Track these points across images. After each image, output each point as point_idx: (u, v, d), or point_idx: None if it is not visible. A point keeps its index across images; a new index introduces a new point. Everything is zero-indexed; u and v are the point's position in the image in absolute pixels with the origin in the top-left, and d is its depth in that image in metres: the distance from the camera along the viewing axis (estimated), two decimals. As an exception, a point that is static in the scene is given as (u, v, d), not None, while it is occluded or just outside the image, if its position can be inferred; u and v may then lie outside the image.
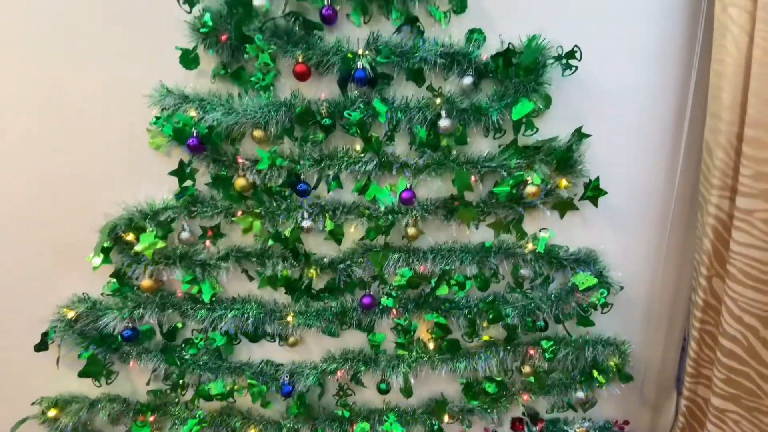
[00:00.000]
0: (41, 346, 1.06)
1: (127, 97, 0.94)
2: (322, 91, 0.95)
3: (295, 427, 1.16)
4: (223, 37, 0.89)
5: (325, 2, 0.87)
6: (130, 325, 1.03)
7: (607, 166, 1.03)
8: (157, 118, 0.91)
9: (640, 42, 0.96)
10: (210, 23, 0.86)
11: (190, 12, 0.87)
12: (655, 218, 1.08)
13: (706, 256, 0.94)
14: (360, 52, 0.90)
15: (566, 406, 1.18)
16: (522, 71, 0.89)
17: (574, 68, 0.93)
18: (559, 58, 0.93)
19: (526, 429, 1.22)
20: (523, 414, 1.23)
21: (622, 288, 1.10)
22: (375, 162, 0.97)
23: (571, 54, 0.92)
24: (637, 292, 1.14)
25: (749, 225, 0.87)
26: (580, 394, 1.15)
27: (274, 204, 0.98)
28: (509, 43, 0.92)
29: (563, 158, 0.95)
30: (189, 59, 0.90)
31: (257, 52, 0.88)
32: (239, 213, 0.97)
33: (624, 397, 1.23)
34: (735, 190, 0.88)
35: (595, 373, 1.13)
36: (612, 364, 1.14)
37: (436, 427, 1.18)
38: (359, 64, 0.91)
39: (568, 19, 0.94)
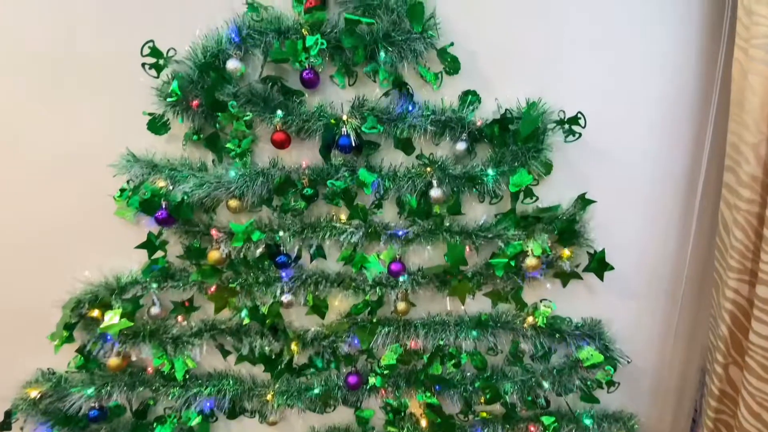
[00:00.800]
0: (4, 425, 0.98)
1: (93, 162, 0.86)
2: (302, 157, 0.87)
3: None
4: (194, 103, 0.81)
5: (306, 65, 0.79)
6: (97, 405, 0.95)
7: (614, 230, 0.95)
8: (122, 190, 0.83)
9: (649, 101, 0.88)
10: (178, 92, 0.78)
11: (157, 77, 0.80)
12: (666, 288, 1.00)
13: (723, 343, 0.85)
14: (344, 117, 0.83)
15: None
16: (520, 140, 0.82)
17: (577, 135, 0.85)
18: (561, 122, 0.85)
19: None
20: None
21: (629, 362, 1.02)
22: (361, 232, 0.90)
23: (574, 120, 0.85)
24: (646, 364, 1.05)
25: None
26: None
27: (251, 276, 0.92)
28: (506, 110, 0.84)
29: (566, 230, 0.88)
30: (157, 126, 0.83)
31: (231, 120, 0.82)
32: (212, 289, 0.90)
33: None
34: (755, 275, 0.79)
35: (601, 452, 1.06)
36: (619, 440, 1.08)
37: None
38: (344, 130, 0.84)
39: (570, 79, 0.86)
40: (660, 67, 0.87)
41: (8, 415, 0.97)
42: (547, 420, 1.03)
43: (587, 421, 1.04)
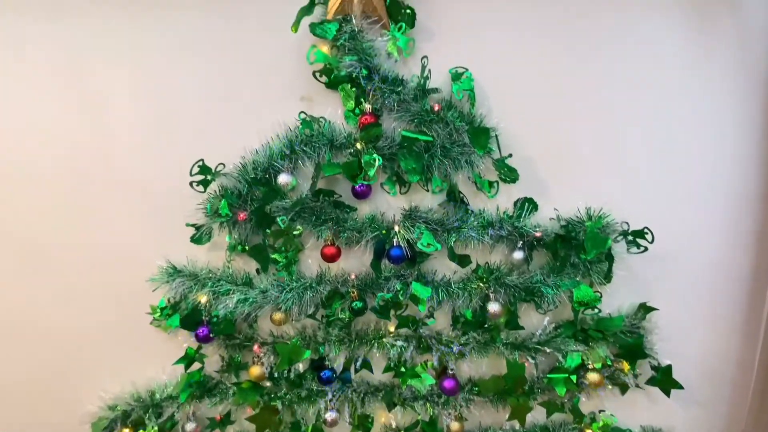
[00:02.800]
0: None
1: (131, 270, 0.81)
2: (350, 266, 0.83)
3: None
4: (241, 216, 0.77)
5: (362, 180, 0.76)
6: None
7: (677, 338, 0.88)
8: (162, 309, 0.79)
9: (714, 207, 0.84)
10: (228, 212, 0.74)
11: (204, 192, 0.78)
12: (732, 397, 0.93)
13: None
14: (396, 228, 0.79)
15: None
16: (587, 257, 0.76)
17: (643, 248, 0.81)
18: (625, 234, 0.81)
19: None
20: None
21: None
22: (413, 345, 0.84)
23: (640, 234, 0.80)
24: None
25: None
26: None
27: (294, 393, 0.85)
28: (569, 224, 0.79)
29: (632, 347, 0.82)
30: (201, 238, 0.79)
31: (281, 235, 0.78)
32: (251, 409, 0.83)
33: None
34: None
35: None
36: None
37: None
38: (395, 240, 0.80)
39: (632, 186, 0.82)
40: (726, 173, 0.83)
41: None
42: None
43: None
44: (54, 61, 0.76)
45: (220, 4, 0.76)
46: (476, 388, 0.86)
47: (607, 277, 0.81)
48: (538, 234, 0.80)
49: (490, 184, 0.81)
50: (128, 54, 0.77)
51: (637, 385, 0.87)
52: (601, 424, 0.90)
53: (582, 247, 0.78)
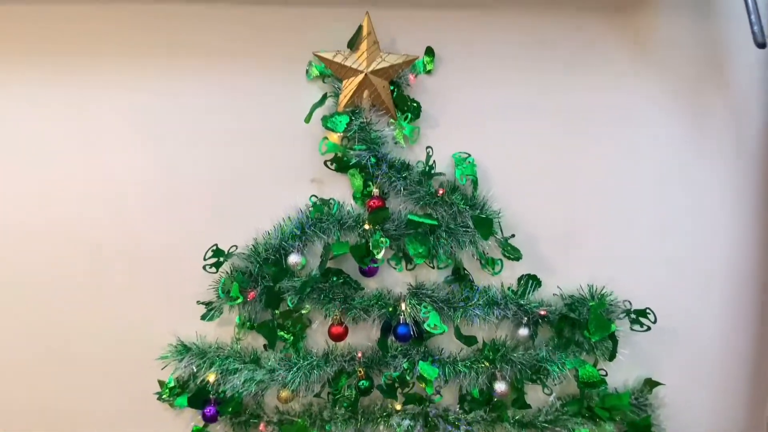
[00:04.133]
0: None
1: (138, 346, 0.82)
2: (357, 342, 0.83)
3: None
4: (251, 295, 0.80)
5: (370, 261, 0.78)
6: None
7: (684, 413, 0.88)
8: (170, 388, 0.80)
9: (715, 285, 0.86)
10: (238, 295, 0.76)
11: (216, 273, 0.80)
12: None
13: None
14: (403, 307, 0.81)
15: None
16: (591, 334, 0.77)
17: (646, 328, 0.81)
18: (627, 313, 0.83)
19: None
20: None
21: None
22: (419, 424, 0.83)
23: (642, 313, 0.81)
24: None
25: None
26: None
27: (299, 473, 0.86)
28: (571, 298, 0.81)
29: (636, 427, 0.81)
30: (212, 316, 0.80)
31: (289, 315, 0.80)
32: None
33: None
34: None
35: None
36: None
37: None
38: (401, 318, 0.82)
39: (634, 264, 0.84)
40: (725, 250, 0.85)
41: None
42: None
43: None
44: (75, 139, 0.81)
45: (237, 97, 0.80)
46: (484, 468, 0.86)
47: (612, 356, 0.82)
48: (542, 312, 0.82)
49: (494, 261, 0.83)
50: (148, 139, 0.81)
51: (646, 465, 0.87)
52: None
53: (586, 327, 0.80)
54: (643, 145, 0.86)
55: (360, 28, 0.76)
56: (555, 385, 0.85)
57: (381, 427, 0.84)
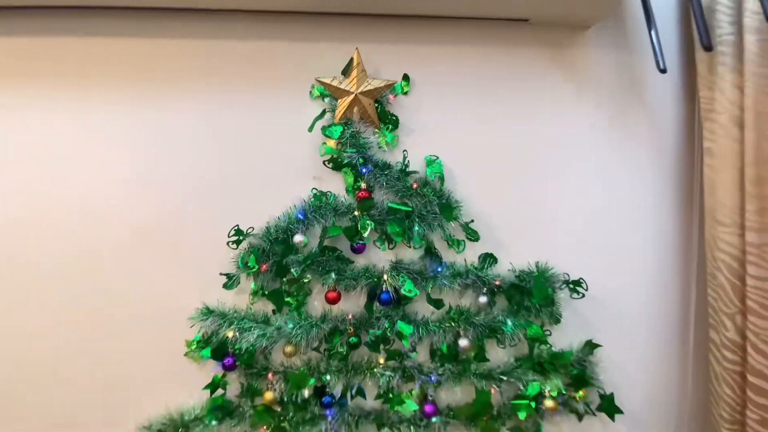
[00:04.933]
0: None
1: (170, 312, 1.02)
2: (349, 308, 1.03)
3: None
4: (264, 267, 1.00)
5: (359, 240, 0.99)
6: None
7: (620, 371, 1.07)
8: (197, 341, 0.99)
9: (639, 258, 1.06)
10: (255, 264, 0.97)
11: (236, 248, 1.01)
12: (671, 421, 1.09)
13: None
14: (385, 277, 1.01)
15: None
16: (534, 302, 0.98)
17: (581, 294, 1.02)
18: (566, 283, 1.03)
19: None
20: None
21: None
22: (398, 375, 1.02)
23: (577, 283, 1.02)
24: (666, 499, 1.12)
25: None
26: None
27: (300, 415, 1.02)
28: (521, 273, 1.01)
29: (578, 377, 1.00)
30: (232, 285, 1.00)
31: (294, 283, 1.00)
32: (263, 429, 1.00)
33: None
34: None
35: None
36: None
37: None
38: (384, 287, 1.02)
39: (572, 242, 1.05)
40: (648, 232, 1.06)
41: None
42: None
43: None
44: (118, 140, 1.03)
45: (256, 112, 1.02)
46: (452, 413, 1.02)
47: (557, 320, 1.01)
48: (497, 282, 1.01)
49: (458, 242, 1.04)
50: (189, 144, 1.02)
51: (586, 412, 1.03)
52: (562, 448, 1.04)
53: (531, 293, 0.99)
54: (578, 152, 1.07)
55: (351, 59, 0.99)
56: (512, 345, 1.04)
57: (367, 378, 1.02)
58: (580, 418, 1.06)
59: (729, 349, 0.94)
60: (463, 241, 1.04)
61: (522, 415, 0.99)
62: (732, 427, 0.94)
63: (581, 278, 1.02)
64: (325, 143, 1.02)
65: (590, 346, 1.05)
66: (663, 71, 1.01)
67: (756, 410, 0.89)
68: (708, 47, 0.95)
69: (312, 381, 1.00)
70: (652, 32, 1.02)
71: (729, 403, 0.94)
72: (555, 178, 1.07)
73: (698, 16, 0.97)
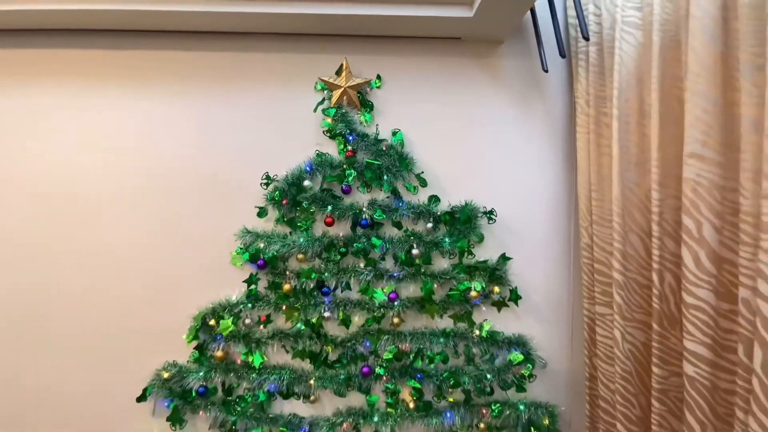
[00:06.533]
0: (141, 398, 1.48)
1: (220, 234, 1.54)
2: (340, 230, 1.55)
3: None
4: (284, 202, 1.49)
5: (346, 183, 1.50)
6: (204, 384, 1.47)
7: (526, 276, 1.57)
8: (241, 248, 1.49)
9: (535, 195, 1.57)
10: (278, 198, 1.49)
11: (266, 189, 1.50)
12: (561, 308, 1.57)
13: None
14: (363, 209, 1.49)
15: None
16: (461, 224, 1.45)
17: (493, 220, 1.52)
18: (484, 213, 1.52)
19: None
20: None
21: (545, 364, 1.52)
22: (372, 274, 1.50)
23: (490, 213, 1.52)
24: (560, 367, 1.57)
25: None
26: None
27: (306, 300, 1.49)
28: (453, 207, 1.52)
29: (492, 275, 1.49)
30: (262, 214, 1.51)
31: (304, 211, 1.48)
32: (284, 308, 1.48)
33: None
34: (593, 297, 1.35)
35: (533, 430, 1.49)
36: (545, 422, 1.50)
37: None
38: (363, 216, 1.48)
39: (490, 187, 1.56)
40: (543, 183, 1.56)
41: (145, 390, 1.47)
42: (494, 406, 1.49)
43: (521, 407, 1.50)
44: (152, 137, 1.51)
45: (278, 102, 1.55)
46: (408, 301, 1.50)
47: (478, 236, 1.48)
48: (438, 213, 1.48)
49: (413, 187, 1.52)
50: (228, 125, 1.53)
51: (503, 301, 1.50)
52: (486, 328, 1.49)
53: (460, 221, 1.45)
54: (496, 128, 1.58)
55: (342, 65, 1.49)
56: (450, 257, 1.52)
57: (352, 276, 1.50)
58: (499, 309, 1.54)
59: (585, 250, 1.45)
60: (417, 186, 1.53)
61: (453, 300, 1.49)
62: (591, 301, 1.40)
63: (493, 208, 1.52)
64: (324, 120, 1.51)
65: (504, 258, 1.53)
66: (545, 71, 1.48)
67: (599, 285, 1.39)
68: (586, 38, 1.40)
69: (315, 275, 1.50)
70: (540, 46, 1.51)
71: (587, 286, 1.42)
72: (480, 145, 1.58)
73: (560, 29, 1.44)
